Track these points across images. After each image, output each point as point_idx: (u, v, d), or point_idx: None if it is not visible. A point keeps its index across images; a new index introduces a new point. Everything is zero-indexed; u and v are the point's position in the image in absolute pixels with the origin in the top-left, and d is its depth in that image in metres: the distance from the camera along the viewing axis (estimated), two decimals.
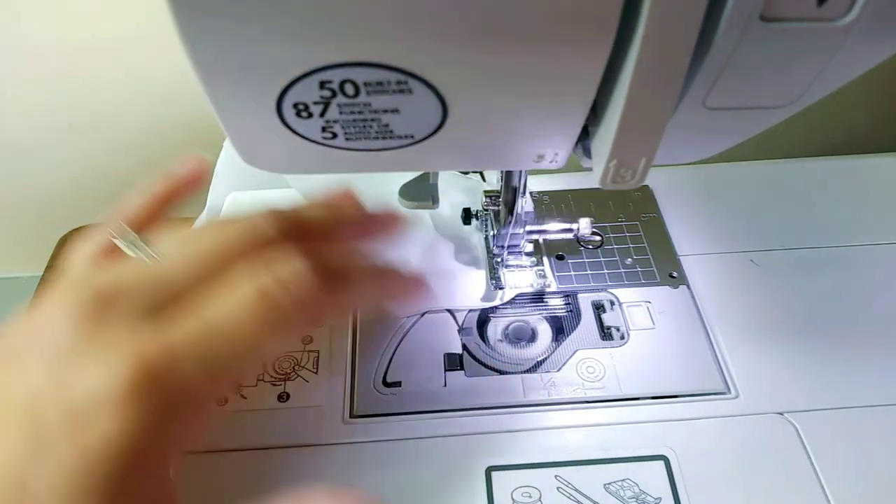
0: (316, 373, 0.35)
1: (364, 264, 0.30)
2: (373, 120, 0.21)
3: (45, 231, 0.59)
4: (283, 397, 0.34)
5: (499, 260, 0.39)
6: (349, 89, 0.20)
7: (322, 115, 0.21)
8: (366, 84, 0.19)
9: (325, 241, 0.30)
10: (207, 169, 0.34)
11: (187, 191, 0.33)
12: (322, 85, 0.19)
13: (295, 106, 0.20)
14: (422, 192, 0.36)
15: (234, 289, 0.25)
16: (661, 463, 0.31)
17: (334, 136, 0.22)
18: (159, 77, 0.53)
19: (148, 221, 0.31)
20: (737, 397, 0.34)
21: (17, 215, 0.66)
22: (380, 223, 0.33)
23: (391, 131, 0.22)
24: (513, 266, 0.39)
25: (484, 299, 0.38)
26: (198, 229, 0.30)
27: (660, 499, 0.30)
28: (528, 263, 0.39)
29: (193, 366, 0.23)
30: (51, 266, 0.53)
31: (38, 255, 0.56)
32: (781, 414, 0.33)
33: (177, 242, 0.28)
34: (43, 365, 0.23)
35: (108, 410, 0.22)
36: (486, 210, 0.40)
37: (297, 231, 0.28)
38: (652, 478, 0.31)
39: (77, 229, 0.56)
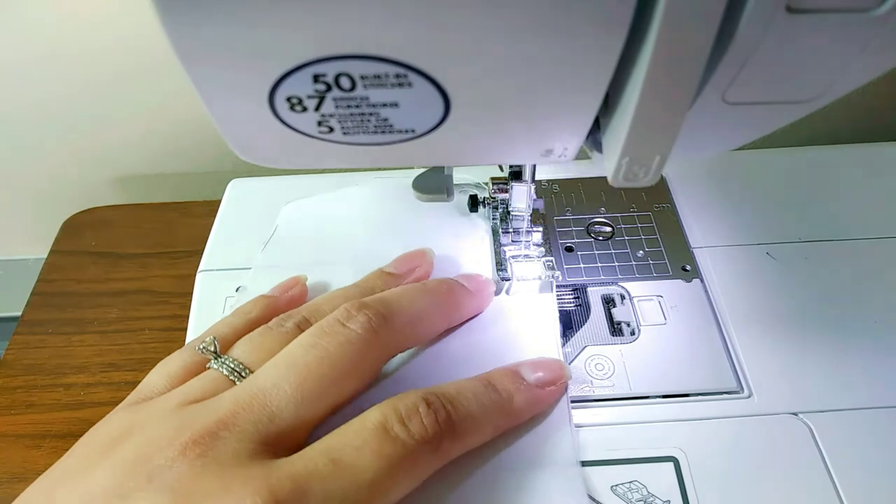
0: None
1: (482, 394, 0.29)
2: (371, 114, 0.20)
3: (50, 213, 0.59)
4: None
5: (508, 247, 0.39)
6: (345, 83, 0.18)
7: (317, 109, 0.20)
8: (362, 77, 0.18)
9: (416, 325, 0.31)
10: (305, 292, 0.37)
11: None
12: (316, 78, 0.18)
13: (288, 100, 0.19)
14: (436, 183, 0.35)
15: (354, 423, 0.26)
16: (670, 464, 0.30)
17: (331, 130, 0.21)
18: (163, 53, 0.52)
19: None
20: (750, 397, 0.33)
21: (22, 198, 0.65)
22: (469, 298, 0.34)
23: (391, 126, 0.21)
24: (520, 256, 0.38)
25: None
26: (291, 339, 0.29)
27: (668, 502, 0.29)
28: (537, 254, 0.38)
29: (317, 502, 0.23)
30: (55, 250, 0.53)
31: (44, 237, 0.56)
32: (796, 414, 0.32)
33: (267, 354, 0.29)
34: (164, 501, 0.23)
35: None
36: (494, 197, 0.39)
37: (385, 322, 0.29)
38: (661, 480, 0.30)
39: (83, 212, 0.56)
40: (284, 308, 0.34)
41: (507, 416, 0.30)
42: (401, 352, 0.32)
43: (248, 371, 0.29)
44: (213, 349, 0.30)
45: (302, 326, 0.31)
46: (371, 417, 0.26)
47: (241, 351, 0.30)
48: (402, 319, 0.30)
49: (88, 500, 0.23)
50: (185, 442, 0.24)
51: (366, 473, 0.24)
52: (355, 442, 0.25)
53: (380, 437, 0.25)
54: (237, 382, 0.28)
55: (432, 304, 0.32)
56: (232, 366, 0.29)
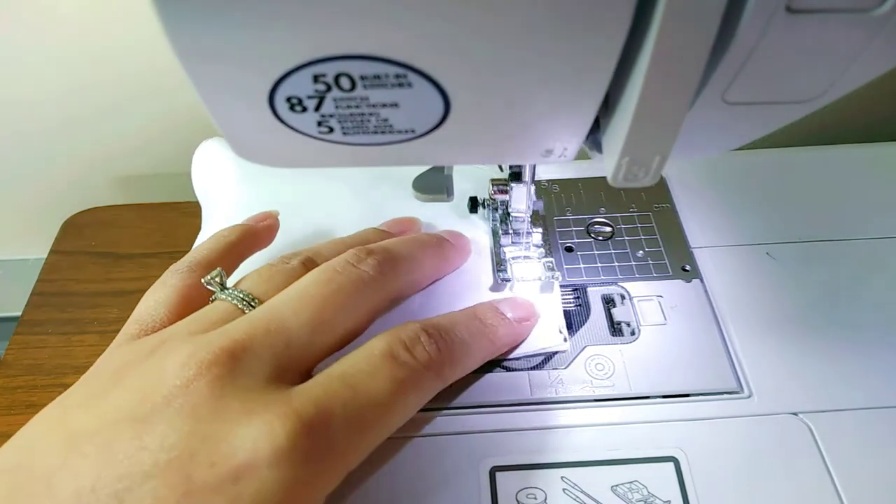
0: None
1: (472, 325, 0.32)
2: (371, 114, 0.20)
3: (50, 213, 0.59)
4: None
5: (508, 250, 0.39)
6: (345, 83, 0.18)
7: (317, 109, 0.20)
8: (362, 77, 0.18)
9: (414, 272, 0.34)
10: (278, 224, 0.38)
11: (260, 243, 0.36)
12: (316, 78, 0.18)
13: (288, 100, 0.19)
14: (436, 183, 0.35)
15: (362, 352, 0.27)
16: (670, 464, 0.31)
17: (331, 130, 0.21)
18: (163, 53, 0.52)
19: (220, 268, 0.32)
20: (750, 397, 0.33)
21: (22, 198, 0.65)
22: (454, 252, 0.37)
23: (391, 126, 0.21)
24: (520, 257, 0.38)
25: (491, 290, 0.37)
26: (298, 277, 0.30)
27: (669, 502, 0.29)
28: (537, 255, 0.38)
29: (338, 424, 0.25)
30: (55, 249, 0.53)
31: (44, 237, 0.56)
32: (796, 414, 0.32)
33: (276, 287, 0.30)
34: (184, 424, 0.23)
35: (269, 466, 0.22)
36: (493, 199, 0.39)
37: (391, 266, 0.31)
38: (661, 480, 0.30)
39: (83, 212, 0.56)
40: (263, 234, 0.36)
41: (492, 346, 0.33)
42: (398, 302, 0.35)
43: (257, 301, 0.29)
44: (219, 280, 0.30)
45: (307, 265, 0.32)
46: (378, 345, 0.28)
47: (249, 283, 0.30)
48: (404, 267, 0.33)
49: (105, 423, 0.23)
50: (202, 362, 0.24)
51: (380, 395, 0.26)
52: (367, 368, 0.27)
53: (389, 363, 0.27)
54: (248, 312, 0.28)
55: (427, 255, 0.35)
56: (241, 296, 0.29)
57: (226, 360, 0.24)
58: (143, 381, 0.24)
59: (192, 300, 0.30)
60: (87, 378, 0.27)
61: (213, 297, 0.30)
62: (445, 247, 0.37)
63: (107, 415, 0.24)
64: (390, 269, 0.31)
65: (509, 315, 0.34)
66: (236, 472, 0.22)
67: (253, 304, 0.29)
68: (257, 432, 0.23)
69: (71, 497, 0.22)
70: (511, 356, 0.34)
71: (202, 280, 0.30)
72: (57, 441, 0.24)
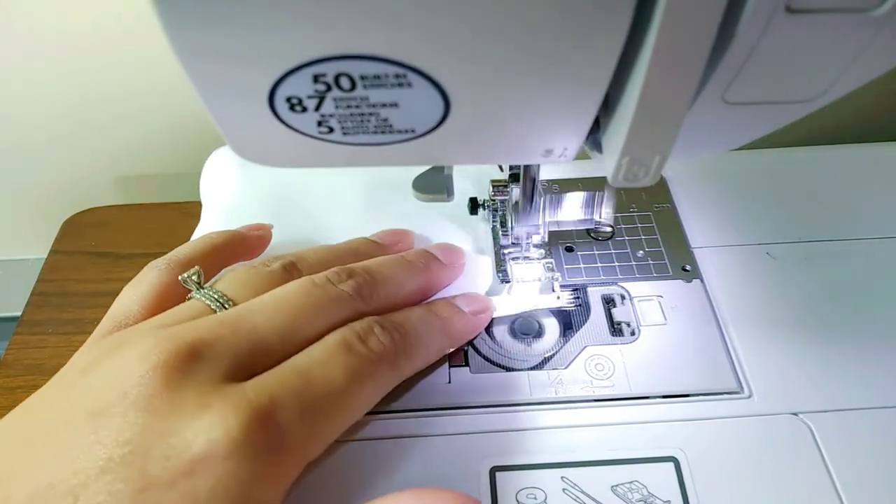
0: None
1: (426, 318, 0.33)
2: (371, 114, 0.20)
3: (50, 213, 0.59)
4: None
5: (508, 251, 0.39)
6: (345, 83, 0.18)
7: (317, 109, 0.20)
8: (362, 77, 0.18)
9: (395, 296, 0.33)
10: (269, 237, 0.38)
11: (247, 252, 0.36)
12: (316, 78, 0.18)
13: (288, 100, 0.19)
14: (436, 183, 0.35)
15: (317, 345, 0.28)
16: (670, 464, 0.30)
17: (331, 130, 0.21)
18: (163, 53, 0.51)
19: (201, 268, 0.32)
20: (750, 397, 0.33)
21: (22, 198, 0.65)
22: (444, 272, 0.36)
23: (391, 126, 0.21)
24: (520, 258, 0.38)
25: (489, 293, 0.37)
26: (277, 280, 0.31)
27: (669, 502, 0.29)
28: (537, 256, 0.38)
29: (293, 414, 0.25)
30: (55, 250, 0.53)
31: (44, 237, 0.56)
32: (796, 414, 0.32)
33: (252, 291, 0.30)
34: (139, 418, 0.23)
35: (224, 459, 0.22)
36: (493, 200, 0.39)
37: (370, 290, 0.31)
38: (661, 480, 0.30)
39: (83, 212, 0.56)
40: (251, 243, 0.36)
41: (448, 338, 0.33)
42: None
43: (231, 304, 0.29)
44: (196, 279, 0.30)
45: (288, 269, 0.32)
46: (332, 338, 0.28)
47: (225, 284, 0.30)
48: (384, 291, 0.32)
49: (64, 420, 0.24)
50: (162, 353, 0.24)
51: (335, 384, 0.26)
52: (321, 358, 0.27)
53: (343, 353, 0.27)
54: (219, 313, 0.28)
55: (410, 280, 0.34)
56: (216, 297, 0.29)
57: (186, 354, 0.24)
58: (105, 376, 0.25)
59: (168, 298, 0.30)
60: (57, 377, 0.27)
61: (189, 295, 0.30)
62: (433, 269, 0.35)
63: (67, 411, 0.24)
64: (368, 293, 0.31)
65: (465, 309, 0.34)
66: (191, 465, 0.22)
67: (226, 305, 0.29)
68: (210, 425, 0.23)
69: (28, 496, 0.22)
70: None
71: (179, 277, 0.30)
72: (19, 441, 0.24)
